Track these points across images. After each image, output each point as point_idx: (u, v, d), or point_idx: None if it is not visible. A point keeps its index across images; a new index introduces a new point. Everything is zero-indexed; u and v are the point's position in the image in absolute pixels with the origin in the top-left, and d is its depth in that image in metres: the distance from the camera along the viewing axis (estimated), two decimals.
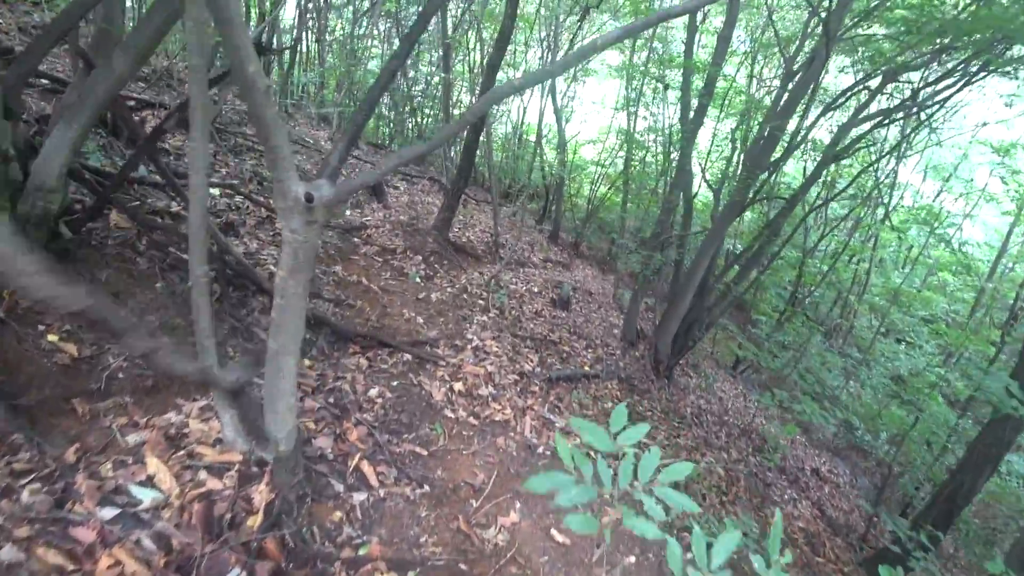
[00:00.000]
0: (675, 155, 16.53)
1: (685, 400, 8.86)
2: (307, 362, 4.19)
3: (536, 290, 9.46)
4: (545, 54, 16.31)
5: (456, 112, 15.95)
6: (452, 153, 15.11)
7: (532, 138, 19.66)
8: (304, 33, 17.31)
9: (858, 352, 15.55)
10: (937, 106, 7.21)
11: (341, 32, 17.16)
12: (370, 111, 4.88)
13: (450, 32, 13.52)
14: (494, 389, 4.86)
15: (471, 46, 17.76)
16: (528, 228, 15.97)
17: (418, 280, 6.94)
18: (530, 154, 19.41)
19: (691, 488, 5.49)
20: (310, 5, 16.67)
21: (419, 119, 18.77)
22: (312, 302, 4.94)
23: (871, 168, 9.39)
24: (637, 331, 9.64)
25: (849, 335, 15.94)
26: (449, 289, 7.03)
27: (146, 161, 4.78)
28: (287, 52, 15.06)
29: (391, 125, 19.58)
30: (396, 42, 17.93)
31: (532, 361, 6.01)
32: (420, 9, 15.82)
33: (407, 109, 18.51)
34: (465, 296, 7.03)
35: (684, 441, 6.62)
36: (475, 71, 17.40)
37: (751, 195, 7.51)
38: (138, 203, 4.63)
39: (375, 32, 18.65)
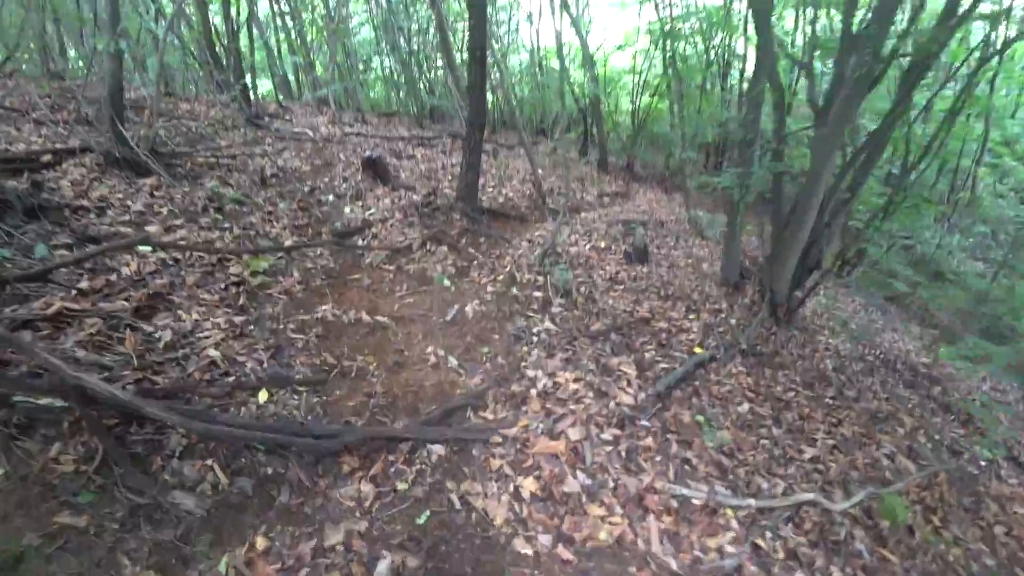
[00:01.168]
0: (717, 41, 13.73)
1: (821, 352, 6.60)
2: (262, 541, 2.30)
3: (603, 244, 7.26)
4: None
5: (459, 55, 13.51)
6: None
7: (554, 62, 17.00)
8: (278, 18, 15.12)
9: (985, 226, 12.57)
10: None
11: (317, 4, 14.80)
12: None
13: None
14: (587, 476, 2.84)
15: None
16: (572, 162, 13.58)
17: (446, 283, 4.93)
18: (555, 80, 16.76)
19: (879, 528, 3.33)
20: None
21: (427, 73, 16.39)
22: (274, 393, 3.02)
23: None
24: (741, 269, 7.34)
25: (970, 208, 12.84)
26: (491, 287, 4.98)
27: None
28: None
29: (401, 89, 17.29)
30: (383, 1, 15.52)
31: (628, 377, 3.92)
32: None
33: (413, 65, 16.13)
34: (515, 291, 4.96)
35: (850, 429, 4.41)
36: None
37: (891, 53, 5.00)
38: None
39: None
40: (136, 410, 2.38)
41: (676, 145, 14.81)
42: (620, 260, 6.99)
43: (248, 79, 9.73)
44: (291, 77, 15.81)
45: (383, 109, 16.30)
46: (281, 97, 15.44)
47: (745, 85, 14.43)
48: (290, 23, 14.33)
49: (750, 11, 6.76)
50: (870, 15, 5.21)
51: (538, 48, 16.63)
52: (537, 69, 16.89)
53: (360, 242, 5.44)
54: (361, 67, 16.20)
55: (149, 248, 4.02)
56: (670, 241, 9.28)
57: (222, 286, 3.90)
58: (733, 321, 6.34)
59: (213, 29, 9.41)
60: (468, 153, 6.34)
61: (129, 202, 4.76)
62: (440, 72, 16.50)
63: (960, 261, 11.60)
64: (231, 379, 3.06)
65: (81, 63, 10.14)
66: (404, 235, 5.56)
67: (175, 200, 4.96)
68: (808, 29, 7.51)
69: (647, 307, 5.77)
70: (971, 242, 12.60)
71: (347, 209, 6.07)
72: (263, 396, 2.96)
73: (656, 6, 13.67)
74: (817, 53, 7.20)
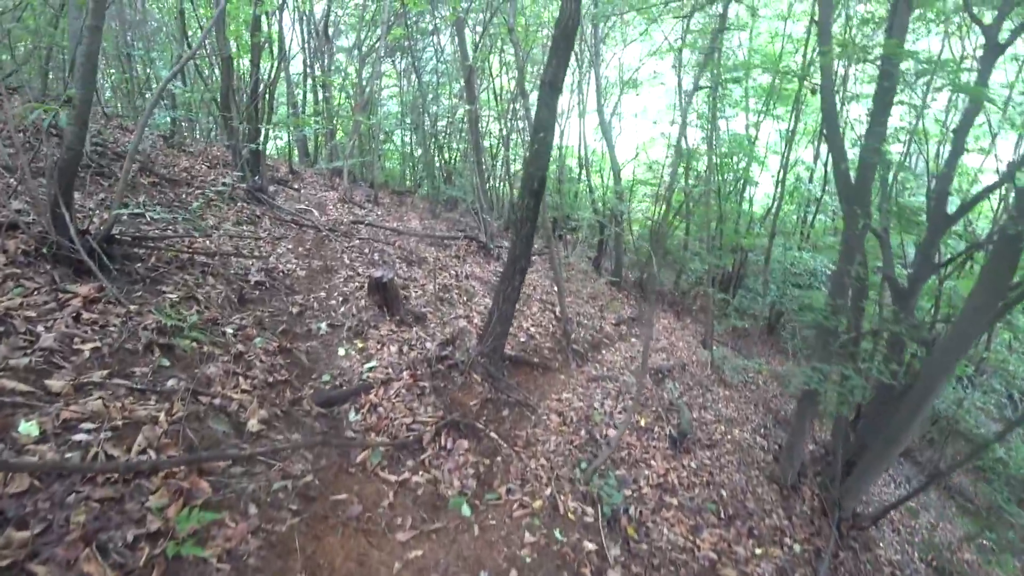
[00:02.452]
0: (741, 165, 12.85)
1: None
2: None
3: (643, 423, 5.72)
4: (584, 68, 12.57)
5: (487, 143, 12.34)
6: (496, 192, 11.53)
7: (572, 162, 15.99)
8: (308, 79, 13.96)
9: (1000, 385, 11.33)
10: None
11: (350, 74, 13.66)
12: None
13: (471, 55, 9.92)
14: None
15: (495, 72, 14.16)
16: (584, 275, 12.22)
17: (466, 511, 3.30)
18: (575, 183, 15.67)
19: None
20: (312, 44, 13.29)
21: (447, 157, 15.21)
22: None
23: None
24: (799, 471, 5.82)
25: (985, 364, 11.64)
26: (520, 508, 3.37)
27: None
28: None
29: (416, 167, 16.07)
30: (414, 78, 14.48)
31: None
32: (434, 40, 12.33)
33: (433, 147, 14.96)
34: (558, 534, 3.34)
35: None
36: (503, 97, 13.77)
37: None
38: None
39: (388, 69, 15.25)
40: None
41: (689, 264, 13.70)
42: (665, 448, 5.43)
43: (261, 140, 8.28)
44: (310, 139, 14.50)
45: (397, 185, 14.98)
46: (296, 158, 14.10)
47: (752, 207, 13.59)
48: (319, 87, 13.15)
49: (834, 178, 5.55)
50: None
51: (561, 146, 15.62)
52: (558, 168, 15.82)
53: (353, 415, 3.80)
54: (382, 137, 14.98)
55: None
56: (699, 396, 7.79)
57: (126, 541, 2.24)
58: (797, 548, 4.80)
59: (233, 84, 8.05)
60: (502, 300, 4.82)
61: (41, 327, 3.13)
62: (458, 161, 15.36)
63: (979, 422, 10.25)
64: None
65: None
66: (411, 413, 3.93)
67: (109, 329, 3.33)
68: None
69: (708, 540, 4.18)
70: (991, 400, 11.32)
71: (341, 351, 4.46)
72: None
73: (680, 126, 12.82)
74: (893, 224, 5.99)
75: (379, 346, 4.60)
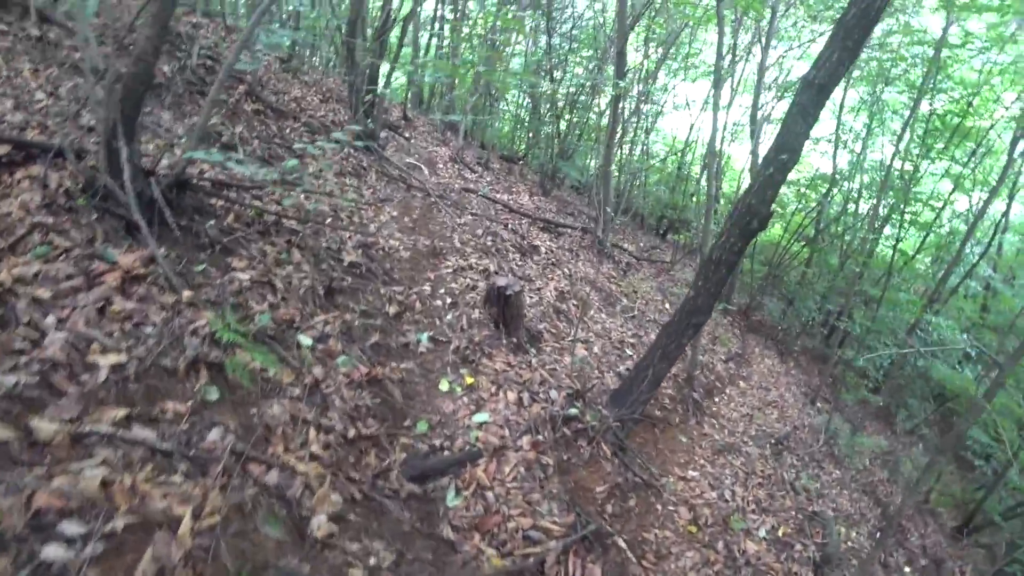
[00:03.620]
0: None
1: None
2: None
3: (781, 532, 4.32)
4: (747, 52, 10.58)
5: (622, 130, 10.73)
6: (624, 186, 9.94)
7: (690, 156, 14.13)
8: (439, 24, 12.61)
9: None
10: None
11: (482, 22, 12.19)
12: None
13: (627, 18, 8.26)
14: None
15: (637, 47, 12.38)
16: (680, 283, 10.63)
17: None
18: (690, 183, 13.87)
19: None
20: None
21: (560, 126, 13.62)
22: None
23: None
24: None
25: None
26: None
27: None
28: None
29: (527, 132, 14.60)
30: (544, 38, 12.90)
31: None
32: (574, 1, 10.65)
33: (548, 114, 13.42)
34: None
35: None
36: (637, 79, 11.97)
37: None
38: None
39: (522, 24, 13.64)
40: None
41: (802, 302, 11.86)
42: (802, 570, 4.04)
43: (381, 83, 7.04)
44: (427, 86, 13.25)
45: (506, 150, 13.60)
46: (410, 104, 12.93)
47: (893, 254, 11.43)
48: (447, 31, 11.80)
49: None
50: None
51: (686, 141, 13.77)
52: (675, 160, 14.01)
53: (452, 497, 2.60)
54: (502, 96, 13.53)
55: None
56: (815, 475, 6.32)
57: None
58: None
59: (362, 13, 6.83)
60: (658, 356, 3.47)
61: (52, 317, 2.06)
62: (576, 129, 13.75)
63: None
64: None
65: None
66: (531, 509, 2.69)
67: (145, 329, 2.23)
68: None
69: None
70: None
71: (444, 385, 3.24)
72: None
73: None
74: None
75: (494, 387, 3.35)
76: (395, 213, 5.01)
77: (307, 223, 3.72)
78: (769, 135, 11.89)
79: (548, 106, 13.07)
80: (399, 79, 14.17)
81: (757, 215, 2.97)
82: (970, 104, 9.50)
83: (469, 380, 3.34)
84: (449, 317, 3.86)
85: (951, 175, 10.14)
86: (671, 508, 3.71)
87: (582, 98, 13.35)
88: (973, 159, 10.00)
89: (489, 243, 5.46)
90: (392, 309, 3.62)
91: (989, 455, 8.44)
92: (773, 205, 3.02)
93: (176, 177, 2.98)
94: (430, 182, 6.60)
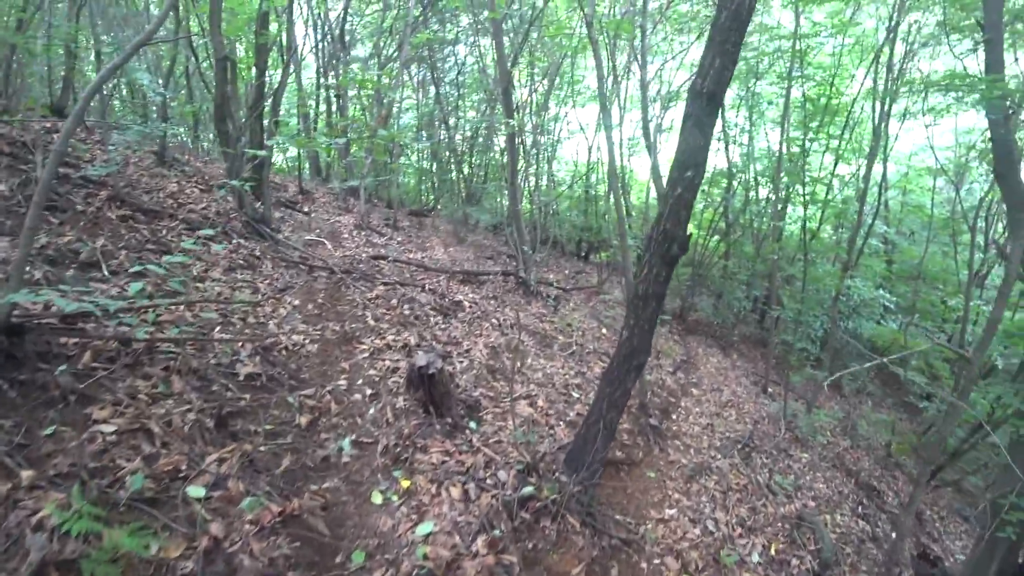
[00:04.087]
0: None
1: None
2: None
3: (773, 550, 4.06)
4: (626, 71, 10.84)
5: (525, 164, 10.67)
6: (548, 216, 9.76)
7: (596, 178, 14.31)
8: (321, 88, 12.29)
9: None
10: None
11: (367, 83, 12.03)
12: None
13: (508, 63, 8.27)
14: None
15: (523, 83, 12.52)
16: (623, 308, 10.56)
17: None
18: (600, 202, 14.00)
19: None
20: (327, 50, 11.63)
21: (465, 171, 13.46)
22: None
23: None
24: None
25: None
26: None
27: None
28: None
29: (433, 183, 14.39)
30: (432, 89, 12.84)
31: None
32: (455, 50, 10.60)
33: (450, 162, 13.30)
34: None
35: None
36: (530, 112, 12.05)
37: None
38: None
39: (407, 80, 13.52)
40: None
41: (731, 293, 12.05)
42: None
43: (264, 160, 6.54)
44: (323, 156, 12.80)
45: (414, 205, 13.30)
46: (308, 174, 12.42)
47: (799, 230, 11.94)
48: (334, 97, 11.49)
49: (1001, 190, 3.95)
50: None
51: (588, 163, 13.95)
52: (582, 183, 14.14)
53: None
54: (398, 152, 13.27)
55: None
56: (784, 467, 6.21)
57: None
58: None
59: (229, 90, 6.39)
60: (606, 406, 3.17)
61: None
62: (481, 178, 13.66)
63: None
64: None
65: None
66: None
67: None
68: None
69: None
70: None
71: (378, 498, 2.78)
72: None
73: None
74: None
75: (434, 487, 2.90)
76: (297, 302, 4.52)
77: (187, 341, 3.20)
78: (665, 143, 12.26)
79: (448, 154, 12.96)
80: (291, 152, 13.69)
81: (675, 239, 2.76)
82: (831, 84, 10.17)
83: (405, 484, 2.89)
84: (372, 412, 3.40)
85: (832, 150, 10.71)
86: (657, 562, 3.37)
87: (480, 140, 13.35)
88: (846, 131, 10.61)
89: (407, 312, 5.05)
90: (304, 419, 3.13)
91: (930, 394, 8.68)
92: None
93: (1, 325, 2.43)
94: (335, 257, 6.15)
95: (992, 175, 5.98)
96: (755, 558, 3.77)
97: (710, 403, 7.30)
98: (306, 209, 8.46)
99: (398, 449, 3.12)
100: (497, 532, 2.71)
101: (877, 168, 11.22)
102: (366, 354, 4.05)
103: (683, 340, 10.44)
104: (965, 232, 9.87)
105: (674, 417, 6.30)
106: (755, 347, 12.13)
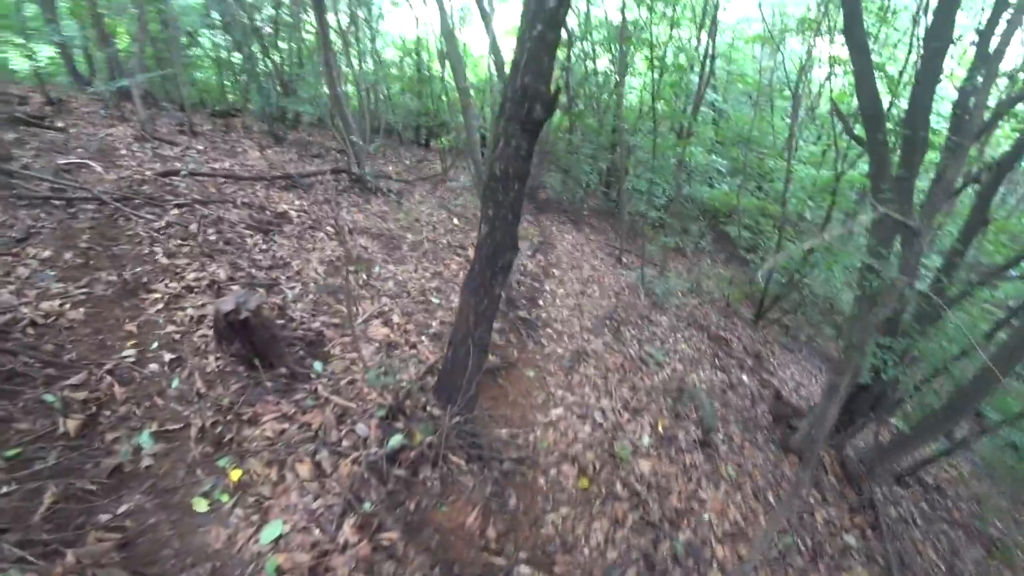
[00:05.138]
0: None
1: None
2: None
3: (661, 428, 4.01)
4: None
5: (344, 43, 9.03)
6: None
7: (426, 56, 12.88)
8: None
9: None
10: None
11: None
12: None
13: None
14: None
15: None
16: (473, 195, 9.92)
17: None
18: (435, 82, 12.71)
19: None
20: None
21: (276, 58, 11.25)
22: None
23: None
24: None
25: None
26: None
27: None
28: None
29: (238, 76, 11.95)
30: None
31: None
32: None
33: (258, 49, 10.99)
34: None
35: None
36: None
37: None
38: None
39: None
40: None
41: (582, 166, 11.91)
42: (703, 464, 3.80)
43: None
44: (78, 53, 9.89)
45: (217, 105, 11.03)
46: (63, 77, 9.60)
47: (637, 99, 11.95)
48: None
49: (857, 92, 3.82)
50: None
51: (418, 40, 12.41)
52: (413, 62, 12.64)
53: None
54: (185, 41, 10.59)
55: None
56: (647, 333, 6.39)
57: None
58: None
59: None
60: (473, 319, 2.62)
61: None
62: (289, 60, 11.51)
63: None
64: None
65: None
66: None
67: None
68: None
69: None
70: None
71: (201, 504, 2.05)
72: None
73: None
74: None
75: (274, 470, 2.21)
76: (47, 253, 3.28)
77: None
78: (501, 13, 11.09)
79: (252, 38, 10.66)
80: (35, 53, 10.49)
81: (538, 98, 2.11)
82: None
83: (235, 475, 2.18)
84: (176, 385, 2.54)
85: (667, 19, 10.40)
86: (554, 473, 3.09)
87: (287, 19, 11.11)
88: None
89: (213, 238, 3.98)
90: (72, 422, 2.22)
91: (755, 246, 9.46)
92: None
93: None
94: (106, 182, 4.68)
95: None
96: (646, 440, 3.68)
97: (573, 282, 7.18)
98: (60, 124, 6.44)
99: (219, 429, 2.35)
100: (367, 506, 2.16)
101: (704, 38, 11.21)
102: (159, 306, 3.06)
103: (536, 220, 10.20)
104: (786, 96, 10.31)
105: (541, 304, 6.05)
106: (605, 219, 12.32)
